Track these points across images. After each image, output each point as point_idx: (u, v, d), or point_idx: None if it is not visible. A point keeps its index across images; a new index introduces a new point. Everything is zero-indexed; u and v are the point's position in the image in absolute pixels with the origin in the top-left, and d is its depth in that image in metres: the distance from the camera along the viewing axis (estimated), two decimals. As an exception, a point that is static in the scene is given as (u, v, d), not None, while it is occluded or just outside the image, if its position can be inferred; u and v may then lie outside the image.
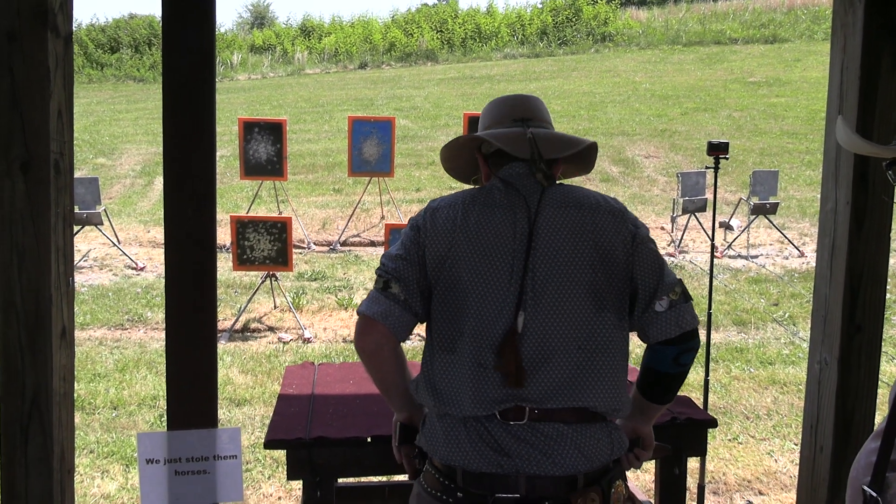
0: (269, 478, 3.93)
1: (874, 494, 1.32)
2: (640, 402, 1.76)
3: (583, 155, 1.84)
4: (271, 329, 6.62)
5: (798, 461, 2.50)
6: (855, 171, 2.18)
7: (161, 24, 1.84)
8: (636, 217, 1.74)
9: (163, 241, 1.89)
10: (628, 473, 4.19)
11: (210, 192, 1.88)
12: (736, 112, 16.66)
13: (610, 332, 1.64)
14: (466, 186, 1.88)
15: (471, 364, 1.60)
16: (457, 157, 1.90)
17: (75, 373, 4.98)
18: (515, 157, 1.74)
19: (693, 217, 9.26)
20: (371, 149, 8.39)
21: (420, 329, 1.82)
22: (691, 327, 1.67)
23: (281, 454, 3.73)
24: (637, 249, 1.68)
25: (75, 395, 4.67)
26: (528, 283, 1.61)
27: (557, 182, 1.76)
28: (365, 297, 1.75)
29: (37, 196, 1.78)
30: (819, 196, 2.41)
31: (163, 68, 1.85)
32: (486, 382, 1.59)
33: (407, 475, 1.84)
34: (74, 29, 1.95)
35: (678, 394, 2.52)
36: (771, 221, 9.49)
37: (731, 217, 9.98)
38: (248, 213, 9.07)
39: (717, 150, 3.79)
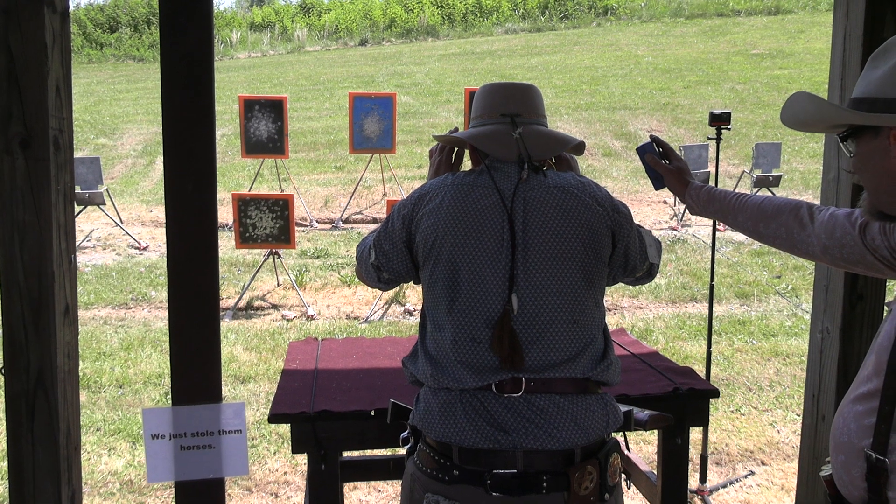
0: (274, 453, 3.96)
1: (881, 458, 1.29)
2: None
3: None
4: (275, 307, 6.64)
5: (800, 431, 2.51)
6: (857, 140, 2.16)
7: (159, 2, 1.83)
8: (616, 201, 1.76)
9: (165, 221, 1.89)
10: (631, 444, 4.21)
11: (210, 170, 1.87)
12: (739, 85, 16.54)
13: (596, 307, 1.69)
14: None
15: (463, 339, 1.60)
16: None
17: (81, 352, 5.02)
18: None
19: (696, 191, 9.22)
20: (372, 125, 8.35)
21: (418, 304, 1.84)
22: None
23: (286, 430, 3.74)
24: (620, 241, 1.73)
25: (81, 373, 4.70)
26: (520, 262, 1.62)
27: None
28: (356, 262, 1.87)
29: (37, 173, 1.78)
30: (822, 168, 2.40)
31: (161, 47, 1.83)
32: (480, 355, 1.60)
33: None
34: (73, 9, 1.94)
35: (680, 365, 2.53)
36: (774, 194, 9.45)
37: (734, 190, 9.93)
38: (249, 191, 9.05)
39: (720, 121, 3.77)
